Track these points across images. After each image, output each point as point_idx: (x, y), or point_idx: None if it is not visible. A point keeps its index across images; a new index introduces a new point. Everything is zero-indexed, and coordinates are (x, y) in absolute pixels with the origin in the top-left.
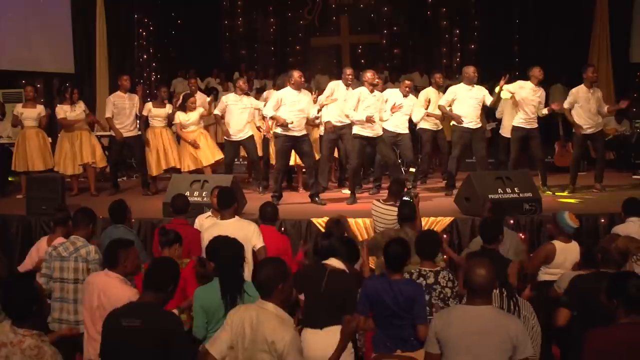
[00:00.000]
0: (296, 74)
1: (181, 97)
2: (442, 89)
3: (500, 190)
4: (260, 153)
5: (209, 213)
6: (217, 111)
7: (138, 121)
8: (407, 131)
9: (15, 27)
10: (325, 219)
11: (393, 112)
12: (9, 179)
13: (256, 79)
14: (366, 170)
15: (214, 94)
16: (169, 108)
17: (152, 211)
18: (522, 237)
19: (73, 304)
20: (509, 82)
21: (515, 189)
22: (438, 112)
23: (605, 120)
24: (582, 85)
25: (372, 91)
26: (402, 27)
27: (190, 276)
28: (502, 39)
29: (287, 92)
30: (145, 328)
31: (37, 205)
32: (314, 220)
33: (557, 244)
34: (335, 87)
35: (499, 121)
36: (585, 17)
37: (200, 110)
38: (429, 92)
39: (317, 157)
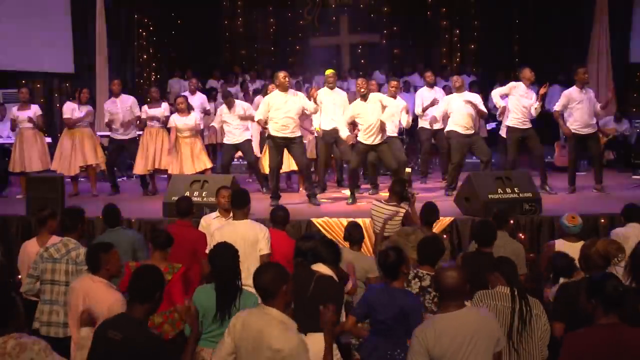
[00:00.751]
0: (281, 75)
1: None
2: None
3: (500, 191)
4: (259, 154)
5: (217, 213)
6: (259, 116)
7: (138, 122)
8: (395, 134)
9: (15, 27)
10: (325, 219)
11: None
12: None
13: (257, 80)
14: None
15: (213, 94)
16: (164, 108)
17: (152, 211)
18: (522, 237)
19: (63, 307)
20: (508, 82)
21: (515, 189)
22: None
23: (605, 121)
24: (574, 87)
25: (365, 100)
26: (402, 27)
27: (177, 281)
28: (502, 39)
29: (275, 95)
30: (123, 343)
31: (37, 205)
32: (314, 220)
33: (559, 243)
34: (321, 92)
35: (499, 122)
36: (585, 17)
37: (195, 115)
38: (423, 91)
39: (313, 156)
